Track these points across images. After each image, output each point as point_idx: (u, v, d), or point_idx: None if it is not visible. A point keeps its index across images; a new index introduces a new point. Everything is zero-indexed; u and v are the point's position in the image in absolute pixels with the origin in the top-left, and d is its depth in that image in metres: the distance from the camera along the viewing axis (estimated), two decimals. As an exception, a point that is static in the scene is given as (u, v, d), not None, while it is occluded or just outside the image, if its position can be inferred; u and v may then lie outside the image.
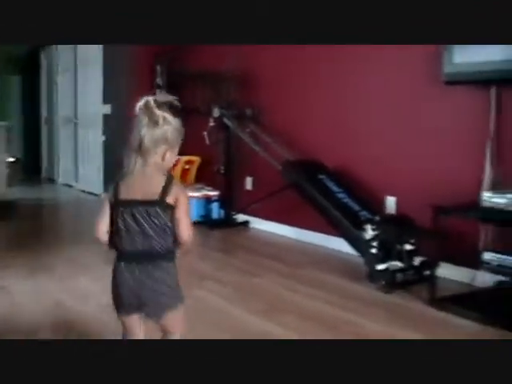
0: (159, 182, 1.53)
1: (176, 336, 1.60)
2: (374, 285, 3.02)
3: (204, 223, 4.52)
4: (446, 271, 3.06)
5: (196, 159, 5.05)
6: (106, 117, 6.15)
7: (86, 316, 2.54)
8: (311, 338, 2.29)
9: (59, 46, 7.50)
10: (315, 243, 3.97)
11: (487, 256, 2.68)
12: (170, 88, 5.15)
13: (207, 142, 4.45)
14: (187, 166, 5.02)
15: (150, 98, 1.53)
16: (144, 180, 1.53)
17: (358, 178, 3.73)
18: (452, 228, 3.00)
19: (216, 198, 4.71)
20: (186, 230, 1.53)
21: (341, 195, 3.46)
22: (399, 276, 3.03)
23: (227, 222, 4.60)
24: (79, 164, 7.05)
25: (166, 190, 1.52)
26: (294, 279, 3.19)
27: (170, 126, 1.52)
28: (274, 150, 4.15)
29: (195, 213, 4.58)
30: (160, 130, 1.51)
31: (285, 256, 3.77)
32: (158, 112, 1.51)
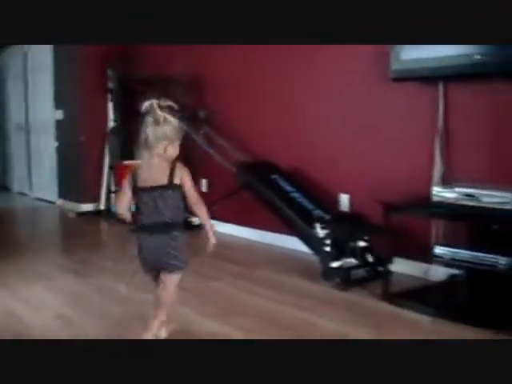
0: (165, 169, 1.94)
1: (173, 290, 2.06)
2: (328, 283, 3.03)
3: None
4: (401, 266, 3.07)
5: None
6: (58, 122, 6.04)
7: (36, 326, 2.47)
8: (266, 339, 2.28)
9: (8, 52, 7.31)
10: (272, 243, 3.99)
11: (439, 250, 2.70)
12: (122, 92, 5.10)
13: None
14: None
15: (154, 101, 1.91)
16: (152, 169, 1.95)
17: (311, 177, 3.75)
18: (405, 223, 3.02)
19: None
20: (194, 196, 2.00)
21: (294, 195, 3.45)
22: (354, 273, 3.05)
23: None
24: (33, 171, 6.92)
25: (172, 174, 1.94)
26: (250, 281, 3.18)
27: (169, 125, 1.91)
28: (227, 151, 4.16)
29: None
30: (161, 128, 1.90)
31: (242, 258, 3.76)
32: (160, 113, 1.90)
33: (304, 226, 3.21)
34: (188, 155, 4.56)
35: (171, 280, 2.05)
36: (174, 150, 1.94)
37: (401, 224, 2.97)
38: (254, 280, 3.16)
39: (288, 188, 3.52)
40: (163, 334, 2.19)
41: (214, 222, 4.42)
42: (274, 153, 3.96)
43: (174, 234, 1.98)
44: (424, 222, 3.10)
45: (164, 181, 1.95)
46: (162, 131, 1.91)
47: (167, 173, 1.95)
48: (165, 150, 1.92)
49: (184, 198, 1.99)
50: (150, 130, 1.92)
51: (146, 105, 1.89)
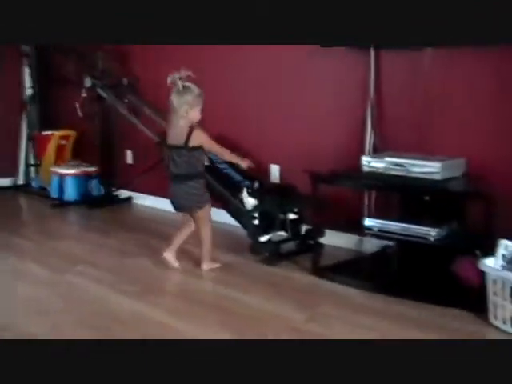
0: (185, 132, 2.64)
1: (205, 226, 2.81)
2: (257, 258, 2.99)
3: (83, 202, 4.39)
4: (332, 239, 3.09)
5: (71, 134, 4.79)
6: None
7: None
8: (189, 319, 2.23)
9: None
10: None
11: (369, 222, 2.70)
12: (40, 56, 4.82)
13: (80, 114, 4.23)
14: (63, 142, 4.74)
15: (176, 74, 2.60)
16: (176, 130, 2.68)
17: (240, 147, 3.65)
18: (336, 195, 3.03)
19: (95, 174, 4.56)
20: (217, 151, 2.81)
21: (221, 165, 3.35)
22: (284, 247, 3.03)
23: (108, 200, 4.49)
24: None
25: (188, 138, 2.64)
26: (178, 257, 3.07)
27: (189, 92, 2.60)
28: (153, 121, 4.04)
29: (72, 191, 4.45)
30: (181, 95, 2.60)
31: (167, 233, 3.68)
32: (180, 83, 2.59)
33: (231, 198, 3.17)
34: (112, 125, 4.53)
35: (199, 218, 2.78)
36: (194, 114, 2.63)
37: (332, 195, 2.99)
38: (178, 256, 3.05)
39: (214, 158, 3.39)
40: (176, 264, 2.88)
41: (140, 195, 4.55)
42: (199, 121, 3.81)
43: (189, 183, 2.69)
44: (355, 193, 3.09)
45: (181, 141, 2.64)
46: (183, 98, 2.59)
47: (185, 134, 2.63)
48: (186, 113, 2.60)
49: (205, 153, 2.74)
50: (173, 98, 2.63)
51: (170, 78, 2.58)
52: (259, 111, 3.62)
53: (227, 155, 2.81)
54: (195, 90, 2.61)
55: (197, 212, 2.77)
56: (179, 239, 2.87)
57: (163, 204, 4.26)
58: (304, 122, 3.40)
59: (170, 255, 2.88)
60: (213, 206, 3.57)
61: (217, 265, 2.91)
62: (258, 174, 3.47)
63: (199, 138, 2.67)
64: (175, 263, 2.89)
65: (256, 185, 3.10)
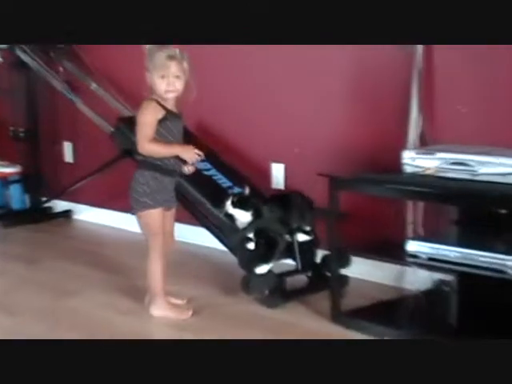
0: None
1: (148, 248, 2.88)
2: (252, 296, 3.02)
3: (0, 218, 4.44)
4: (361, 270, 3.15)
5: None
6: None
7: None
8: None
9: None
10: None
11: (414, 246, 2.67)
12: None
13: None
14: None
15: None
16: None
17: (232, 142, 3.82)
18: (365, 207, 3.11)
19: (16, 177, 4.59)
20: (142, 139, 2.82)
21: (203, 165, 3.41)
22: (290, 282, 3.08)
23: (36, 215, 4.56)
24: None
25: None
26: (128, 294, 3.14)
27: (150, 54, 2.83)
28: (104, 102, 4.11)
29: None
30: (148, 59, 2.86)
31: (120, 259, 3.76)
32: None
33: (213, 210, 3.22)
34: (40, 106, 4.56)
35: (142, 230, 2.95)
36: (156, 82, 2.78)
37: (360, 208, 3.08)
38: (134, 294, 3.09)
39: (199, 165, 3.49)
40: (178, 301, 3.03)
41: (83, 207, 4.66)
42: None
43: (135, 173, 2.87)
44: (393, 204, 3.08)
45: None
46: (148, 62, 2.84)
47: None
48: (150, 81, 2.83)
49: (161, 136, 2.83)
50: None
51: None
52: (259, 96, 3.74)
53: (157, 147, 2.84)
54: (156, 51, 2.81)
55: (137, 218, 2.94)
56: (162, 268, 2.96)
57: (116, 220, 4.36)
58: (318, 109, 3.49)
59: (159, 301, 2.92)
60: (190, 223, 3.57)
61: (179, 301, 3.01)
62: (253, 177, 3.55)
63: (139, 113, 2.87)
64: (176, 300, 3.02)
65: (246, 191, 3.13)
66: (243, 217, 3.06)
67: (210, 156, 3.51)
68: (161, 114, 2.79)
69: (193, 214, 3.43)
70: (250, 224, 3.05)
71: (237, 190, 3.27)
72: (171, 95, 2.79)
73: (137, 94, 3.96)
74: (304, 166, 3.50)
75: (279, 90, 3.64)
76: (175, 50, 2.80)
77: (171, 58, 2.78)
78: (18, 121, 4.52)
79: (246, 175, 3.54)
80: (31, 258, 3.75)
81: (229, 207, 3.08)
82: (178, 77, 2.77)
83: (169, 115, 2.80)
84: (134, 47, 3.61)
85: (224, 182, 3.43)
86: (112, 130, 3.80)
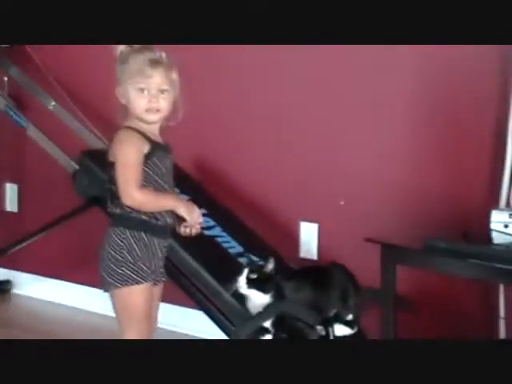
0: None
1: (126, 332, 2.86)
2: None
3: None
4: None
5: None
6: None
7: None
8: None
9: None
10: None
11: None
12: None
13: None
14: None
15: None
16: None
17: (244, 189, 3.91)
18: (434, 289, 3.18)
19: None
20: (125, 184, 2.78)
21: (204, 222, 3.24)
22: None
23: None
24: None
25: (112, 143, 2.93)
26: None
27: (125, 57, 2.89)
28: (66, 127, 4.16)
29: None
30: (119, 65, 2.90)
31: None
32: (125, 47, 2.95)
33: (219, 288, 3.22)
34: None
35: (116, 311, 2.91)
36: (133, 98, 2.80)
37: (426, 291, 3.15)
38: None
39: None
40: None
41: (26, 276, 4.58)
42: (167, 137, 3.91)
43: (108, 231, 2.87)
44: (476, 286, 3.14)
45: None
46: (120, 69, 2.89)
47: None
48: (122, 96, 2.86)
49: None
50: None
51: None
52: (285, 125, 3.85)
53: (151, 196, 2.84)
54: (133, 54, 2.84)
55: (111, 295, 2.90)
56: None
57: (75, 296, 4.38)
58: (366, 151, 3.59)
59: None
60: (180, 303, 3.67)
61: None
62: (274, 240, 3.56)
63: (115, 146, 2.85)
64: None
65: (270, 265, 3.11)
66: (259, 298, 3.06)
67: (213, 208, 3.55)
68: (146, 147, 2.77)
69: (186, 291, 3.42)
70: (268, 308, 3.04)
71: (250, 258, 3.26)
72: (154, 117, 2.79)
73: (109, 119, 4.08)
74: (347, 227, 3.56)
75: (313, 118, 3.74)
76: (160, 52, 2.82)
77: (155, 63, 2.77)
78: None
79: (263, 239, 3.55)
80: None
81: (242, 285, 3.07)
82: (163, 91, 2.78)
83: (156, 148, 2.79)
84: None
85: (232, 246, 3.45)
86: (75, 167, 3.78)
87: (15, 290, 4.67)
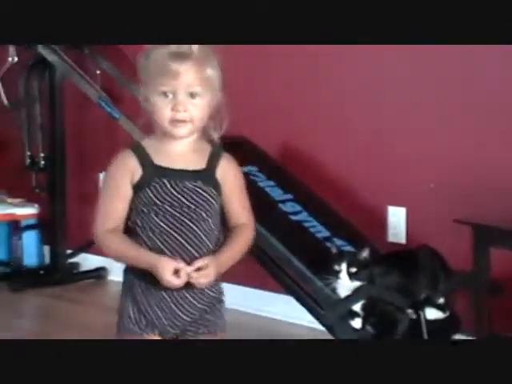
0: None
1: None
2: None
3: (7, 277, 4.50)
4: None
5: None
6: None
7: None
8: None
9: None
10: (237, 304, 3.80)
11: None
12: None
13: (4, 101, 4.39)
14: None
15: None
16: None
17: (330, 174, 3.84)
18: None
19: (31, 221, 4.66)
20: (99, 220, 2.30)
21: (290, 207, 3.43)
22: None
23: (57, 274, 4.60)
24: None
25: None
26: None
27: (145, 56, 2.33)
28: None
29: None
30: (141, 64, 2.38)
31: None
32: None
33: (306, 271, 3.15)
34: (64, 124, 4.62)
35: None
36: (153, 104, 2.23)
37: None
38: None
39: (276, 193, 3.56)
40: None
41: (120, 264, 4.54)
42: (248, 121, 3.95)
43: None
44: None
45: None
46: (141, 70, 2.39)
47: None
48: (145, 101, 2.29)
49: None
50: None
51: None
52: (371, 109, 3.80)
53: (115, 244, 2.26)
54: (155, 50, 2.27)
55: None
56: None
57: None
58: (455, 134, 3.55)
59: None
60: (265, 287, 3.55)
61: None
62: (360, 224, 3.51)
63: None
64: None
65: (365, 253, 3.08)
66: (347, 283, 3.01)
67: (300, 194, 3.54)
68: (137, 174, 2.21)
69: (274, 275, 3.39)
70: (357, 292, 3.00)
71: (340, 242, 3.24)
72: (181, 130, 2.19)
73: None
74: (436, 210, 3.49)
75: (401, 103, 3.70)
76: (189, 46, 2.23)
77: (180, 56, 2.18)
78: (36, 144, 4.56)
79: (350, 223, 3.49)
80: (46, 333, 3.74)
81: (345, 280, 3.00)
82: (195, 94, 2.18)
83: (156, 175, 2.21)
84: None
85: (319, 230, 3.36)
86: None
87: (110, 277, 4.65)
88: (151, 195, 2.17)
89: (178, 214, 2.18)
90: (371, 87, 3.85)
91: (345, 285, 3.02)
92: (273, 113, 4.06)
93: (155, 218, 2.17)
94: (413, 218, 3.60)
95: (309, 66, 4.02)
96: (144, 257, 2.18)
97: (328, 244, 3.24)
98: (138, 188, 2.18)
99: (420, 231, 3.55)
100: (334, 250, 3.12)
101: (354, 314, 2.99)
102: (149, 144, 2.24)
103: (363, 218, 3.61)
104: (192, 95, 2.16)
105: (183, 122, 2.16)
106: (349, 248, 3.24)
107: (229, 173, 2.32)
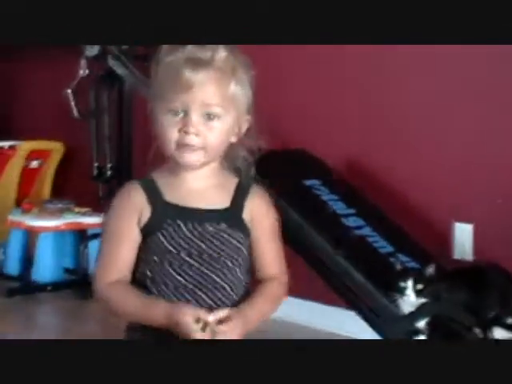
0: None
1: None
2: None
3: (73, 285, 4.50)
4: None
5: (54, 148, 5.01)
6: None
7: None
8: None
9: None
10: (307, 321, 3.97)
11: None
12: None
13: (74, 112, 4.37)
14: (34, 163, 4.95)
15: None
16: None
17: (393, 188, 3.78)
18: None
19: (98, 231, 4.55)
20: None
21: (353, 221, 3.37)
22: None
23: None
24: None
25: None
26: None
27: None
28: None
29: (51, 264, 4.53)
30: None
31: None
32: None
33: (371, 287, 3.08)
34: (132, 134, 4.63)
35: None
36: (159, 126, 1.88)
37: None
38: None
39: (340, 207, 3.48)
40: None
41: None
42: (312, 135, 4.01)
43: None
44: None
45: None
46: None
47: None
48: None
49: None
50: None
51: None
52: (439, 122, 3.71)
53: (120, 300, 1.85)
54: (169, 53, 1.84)
55: None
56: None
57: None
58: None
59: None
60: (333, 303, 3.66)
61: None
62: (424, 241, 3.41)
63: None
64: None
65: (431, 269, 2.99)
66: (412, 299, 2.93)
67: (363, 208, 3.50)
68: (146, 214, 1.82)
69: (336, 290, 3.30)
70: (422, 308, 2.91)
71: (404, 258, 3.15)
72: (190, 158, 1.79)
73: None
74: (505, 226, 3.40)
75: (469, 117, 3.60)
76: (209, 49, 1.79)
77: (196, 64, 1.75)
78: (104, 155, 4.58)
79: (414, 238, 3.39)
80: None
81: (412, 298, 2.92)
82: (213, 115, 1.77)
83: (168, 215, 1.81)
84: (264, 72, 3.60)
85: (382, 246, 3.28)
86: None
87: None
88: (163, 241, 1.78)
89: (197, 264, 1.80)
90: (436, 99, 3.75)
91: (410, 301, 2.93)
92: (336, 125, 4.00)
93: (169, 268, 1.79)
94: (480, 234, 3.50)
95: (374, 78, 3.95)
96: (157, 305, 1.78)
97: (392, 260, 3.16)
98: (146, 232, 1.80)
99: (487, 248, 3.42)
100: (398, 266, 3.05)
101: (419, 332, 2.91)
102: (160, 177, 1.86)
103: (428, 233, 3.52)
104: (209, 116, 1.76)
105: (192, 148, 1.77)
106: (413, 264, 3.16)
107: (259, 211, 1.91)
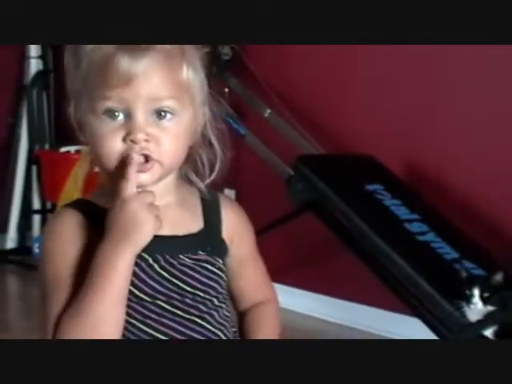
0: None
1: None
2: None
3: None
4: None
5: None
6: None
7: None
8: None
9: None
10: (367, 326, 3.96)
11: None
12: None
13: None
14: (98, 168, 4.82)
15: None
16: None
17: (456, 194, 3.72)
18: None
19: None
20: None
21: (418, 227, 3.32)
22: None
23: None
24: None
25: None
26: None
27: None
28: (279, 135, 4.16)
29: None
30: None
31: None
32: None
33: (435, 294, 3.03)
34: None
35: None
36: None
37: None
38: None
39: (403, 212, 3.45)
40: None
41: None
42: (372, 139, 3.99)
43: None
44: None
45: None
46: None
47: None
48: None
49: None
50: None
51: None
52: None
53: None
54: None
55: None
56: None
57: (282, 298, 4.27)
58: None
59: None
60: (396, 310, 3.70)
61: None
62: (491, 248, 3.35)
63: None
64: None
65: (499, 277, 2.93)
66: (479, 307, 2.89)
67: (427, 214, 3.46)
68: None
69: (401, 297, 3.28)
70: (489, 317, 2.84)
71: (469, 265, 3.10)
72: (145, 177, 1.32)
73: (319, 123, 4.12)
74: None
75: None
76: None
77: (135, 49, 1.29)
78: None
79: (480, 244, 3.36)
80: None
81: (479, 306, 2.87)
82: (164, 111, 1.33)
83: (149, 245, 1.31)
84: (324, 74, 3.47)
85: (447, 252, 3.22)
86: (290, 173, 3.74)
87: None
88: (131, 288, 1.30)
89: (180, 312, 1.35)
90: (503, 98, 3.67)
91: (477, 309, 2.89)
92: (399, 130, 3.99)
93: (142, 326, 1.33)
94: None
95: (438, 82, 3.88)
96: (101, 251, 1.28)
97: (457, 266, 3.11)
98: None
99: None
100: (463, 273, 3.00)
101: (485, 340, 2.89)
102: (101, 202, 1.39)
103: (493, 240, 3.46)
104: (159, 113, 1.32)
105: (144, 160, 1.31)
106: (479, 271, 3.10)
107: (237, 230, 1.51)
